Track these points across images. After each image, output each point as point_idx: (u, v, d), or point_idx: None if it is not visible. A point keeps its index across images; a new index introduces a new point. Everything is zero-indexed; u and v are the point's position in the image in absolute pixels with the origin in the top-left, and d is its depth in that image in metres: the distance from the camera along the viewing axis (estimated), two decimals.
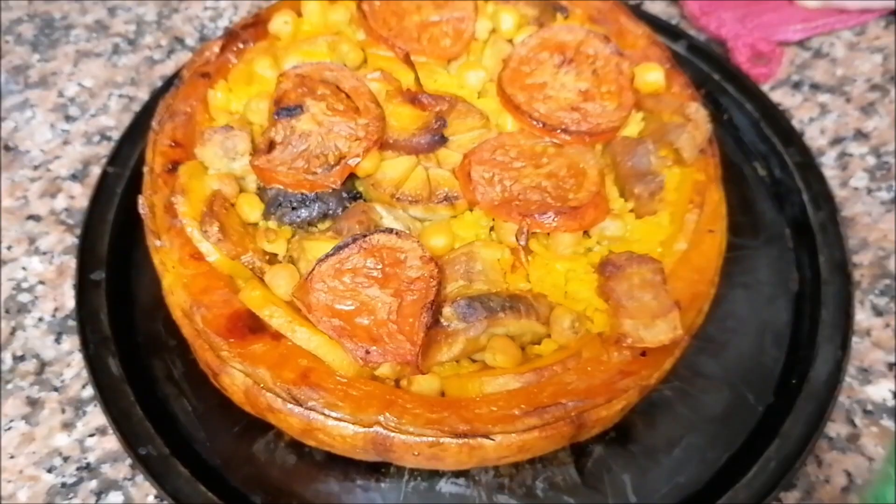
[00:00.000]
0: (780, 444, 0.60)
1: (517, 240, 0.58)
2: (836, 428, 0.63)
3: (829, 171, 0.76)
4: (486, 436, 0.53)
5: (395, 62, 0.68)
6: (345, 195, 0.62)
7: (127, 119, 0.78)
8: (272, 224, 0.61)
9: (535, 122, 0.63)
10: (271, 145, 0.62)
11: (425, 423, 0.53)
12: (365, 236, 0.56)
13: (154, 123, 0.65)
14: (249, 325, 0.56)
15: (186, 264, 0.58)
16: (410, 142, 0.63)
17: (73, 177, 0.76)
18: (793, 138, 0.76)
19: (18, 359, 0.66)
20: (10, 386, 0.65)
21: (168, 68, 0.84)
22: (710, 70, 0.82)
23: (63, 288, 0.69)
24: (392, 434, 0.53)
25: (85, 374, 0.65)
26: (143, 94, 0.82)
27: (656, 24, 0.82)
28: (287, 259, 0.60)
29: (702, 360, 0.66)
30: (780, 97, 0.83)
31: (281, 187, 0.61)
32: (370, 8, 0.69)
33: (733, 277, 0.69)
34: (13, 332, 0.67)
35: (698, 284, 0.60)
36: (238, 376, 0.55)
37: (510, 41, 0.70)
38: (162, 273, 0.59)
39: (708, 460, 0.62)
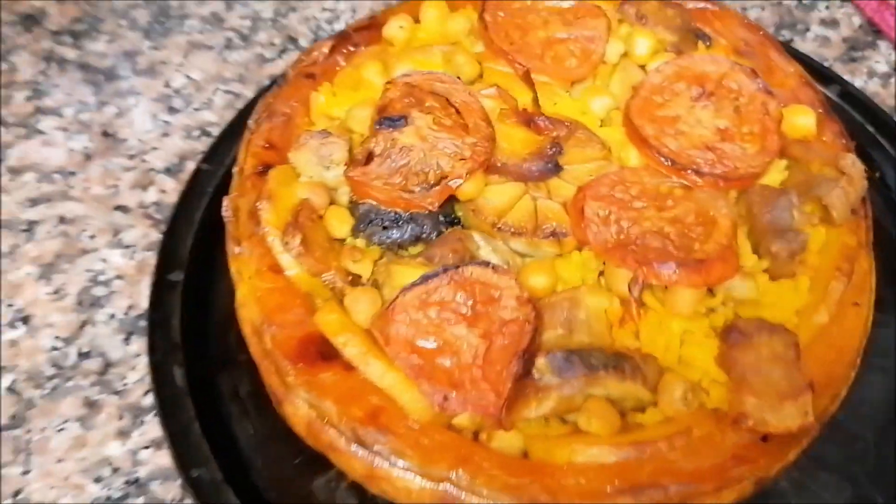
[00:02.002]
0: None
1: (630, 290, 0.51)
2: None
3: None
4: None
5: (514, 79, 0.62)
6: (441, 219, 0.56)
7: (229, 116, 0.75)
8: (360, 242, 0.56)
9: (662, 159, 0.56)
10: (369, 157, 0.57)
11: (502, 486, 0.46)
12: (457, 267, 0.50)
13: (250, 122, 0.62)
14: (321, 351, 0.51)
15: (263, 276, 0.54)
16: (520, 167, 0.57)
17: (168, 170, 0.74)
18: None
19: (83, 355, 0.63)
20: (70, 384, 0.62)
21: (278, 68, 0.81)
22: (863, 120, 0.73)
23: (140, 286, 0.66)
24: (463, 494, 0.47)
25: (149, 380, 0.61)
26: (249, 93, 0.79)
27: (807, 65, 0.73)
28: (371, 283, 0.54)
29: (826, 448, 0.57)
30: None
31: (374, 203, 0.56)
32: (493, 19, 0.64)
33: (871, 358, 0.59)
34: (82, 326, 0.64)
35: (836, 365, 0.52)
36: (302, 407, 0.50)
37: (643, 67, 0.63)
38: (237, 283, 0.55)
39: None
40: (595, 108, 0.61)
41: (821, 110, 0.62)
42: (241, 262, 0.55)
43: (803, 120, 0.60)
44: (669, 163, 0.56)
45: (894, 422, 0.59)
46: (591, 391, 0.49)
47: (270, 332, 0.52)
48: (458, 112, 0.59)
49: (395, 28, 0.65)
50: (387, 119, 0.57)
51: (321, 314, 0.52)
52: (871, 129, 0.72)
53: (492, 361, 0.49)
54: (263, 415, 0.59)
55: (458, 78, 0.61)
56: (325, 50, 0.65)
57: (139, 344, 0.63)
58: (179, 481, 0.57)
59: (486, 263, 0.51)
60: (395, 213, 0.56)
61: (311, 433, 0.51)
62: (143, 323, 0.64)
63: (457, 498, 0.47)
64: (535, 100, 0.60)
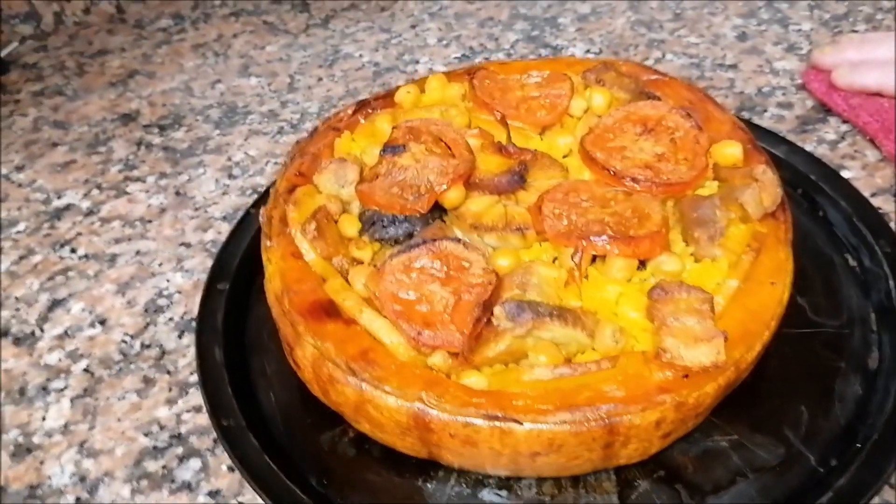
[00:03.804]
0: (833, 498, 0.58)
1: (572, 259, 0.63)
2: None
3: None
4: (516, 420, 0.56)
5: (494, 125, 0.77)
6: (429, 220, 0.70)
7: None
8: (365, 239, 0.70)
9: (607, 171, 0.70)
10: (374, 178, 0.72)
11: (463, 404, 0.57)
12: (435, 240, 0.64)
13: (286, 158, 0.78)
14: (327, 310, 0.64)
15: (287, 260, 0.68)
16: (493, 181, 0.71)
17: (224, 218, 0.90)
18: (883, 231, 0.77)
19: (146, 346, 0.77)
20: (133, 366, 0.75)
21: None
22: (807, 171, 0.85)
23: (196, 298, 0.81)
24: (431, 411, 0.58)
25: (195, 364, 0.74)
26: None
27: (763, 131, 0.89)
28: (371, 265, 0.68)
29: (765, 419, 0.66)
30: (881, 203, 0.84)
31: (377, 209, 0.71)
32: (480, 83, 0.81)
33: (809, 351, 0.70)
34: (146, 326, 0.79)
35: (750, 324, 0.62)
36: (308, 349, 0.63)
37: (599, 118, 0.78)
38: (266, 267, 0.69)
39: None
40: (560, 144, 0.76)
41: (749, 146, 0.75)
42: (271, 252, 0.70)
43: (731, 150, 0.73)
44: (612, 172, 0.70)
45: (829, 398, 0.67)
46: (539, 334, 0.60)
47: (288, 296, 0.65)
48: (448, 147, 0.75)
49: (404, 93, 0.83)
50: (390, 147, 0.73)
51: (330, 283, 0.65)
52: (814, 177, 0.85)
53: (459, 311, 0.61)
54: (283, 387, 0.72)
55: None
56: (349, 112, 0.83)
57: (189, 338, 0.77)
58: (213, 436, 0.69)
59: (458, 240, 0.65)
60: (393, 215, 0.70)
61: (314, 371, 0.63)
62: (195, 324, 0.79)
63: (426, 413, 0.58)
64: (509, 136, 0.75)
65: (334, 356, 0.61)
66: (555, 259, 0.67)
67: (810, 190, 0.84)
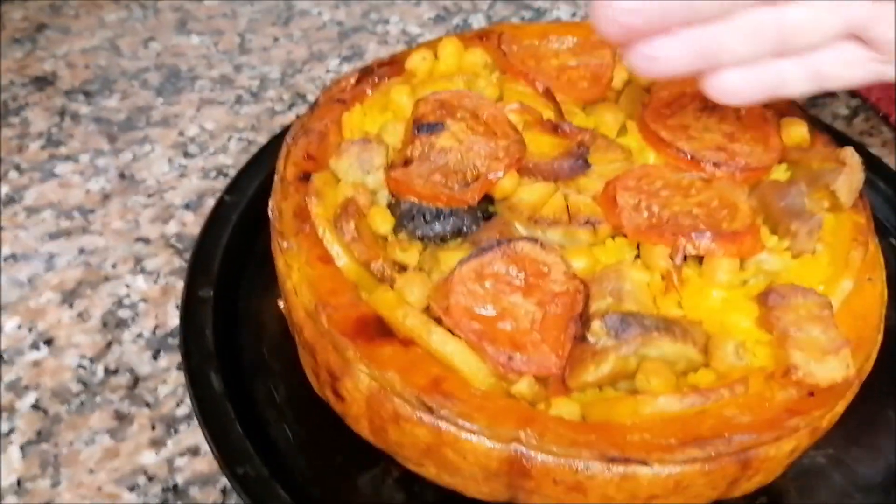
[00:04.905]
0: None
1: (672, 259, 0.54)
2: None
3: None
4: (643, 462, 0.46)
5: (533, 97, 0.66)
6: (479, 214, 0.59)
7: (245, 159, 0.77)
8: (403, 237, 0.58)
9: (682, 154, 0.60)
10: (406, 161, 0.60)
11: (570, 443, 0.47)
12: (509, 241, 0.53)
13: (288, 138, 0.64)
14: (377, 329, 0.52)
15: (314, 266, 0.55)
16: (552, 166, 0.60)
17: (187, 206, 0.75)
18: None
19: (111, 372, 0.62)
20: (98, 399, 0.60)
21: (289, 118, 0.84)
22: None
23: (166, 307, 0.66)
24: (533, 454, 0.47)
25: (180, 391, 0.60)
26: (263, 139, 0.82)
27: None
28: (417, 270, 0.56)
29: (857, 429, 0.59)
30: None
31: (415, 201, 0.58)
32: (509, 49, 0.69)
33: (889, 352, 0.63)
34: (108, 345, 0.64)
35: (864, 329, 0.55)
36: (363, 380, 0.50)
37: (647, 90, 0.69)
38: (286, 275, 0.56)
39: None
40: (609, 121, 0.66)
41: (809, 125, 0.68)
42: (290, 256, 0.56)
43: (797, 130, 0.66)
44: (689, 157, 0.60)
45: None
46: (645, 352, 0.50)
47: (326, 313, 0.52)
48: (486, 124, 0.63)
49: (419, 59, 0.70)
50: (425, 125, 0.61)
51: (377, 294, 0.53)
52: None
53: (548, 327, 0.51)
54: (301, 419, 0.59)
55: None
56: (352, 81, 0.69)
57: (168, 359, 0.63)
58: (220, 486, 0.55)
59: (535, 240, 0.54)
60: (437, 208, 0.58)
61: (371, 407, 0.51)
62: (171, 340, 0.64)
63: (527, 457, 0.47)
64: (560, 111, 0.65)
65: (400, 389, 0.49)
66: (636, 257, 0.57)
67: None
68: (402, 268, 0.57)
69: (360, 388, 0.50)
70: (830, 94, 0.89)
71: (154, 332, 0.65)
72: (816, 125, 0.69)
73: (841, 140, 0.79)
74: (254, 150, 0.80)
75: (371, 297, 0.53)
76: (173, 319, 0.65)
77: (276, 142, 0.75)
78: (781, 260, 0.56)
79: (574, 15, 1.01)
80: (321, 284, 0.54)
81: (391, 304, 0.52)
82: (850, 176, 0.60)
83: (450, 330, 0.50)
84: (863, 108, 0.88)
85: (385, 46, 0.94)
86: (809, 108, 0.87)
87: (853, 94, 0.89)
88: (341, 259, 0.55)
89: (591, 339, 0.51)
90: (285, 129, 0.78)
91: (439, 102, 0.63)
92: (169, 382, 0.61)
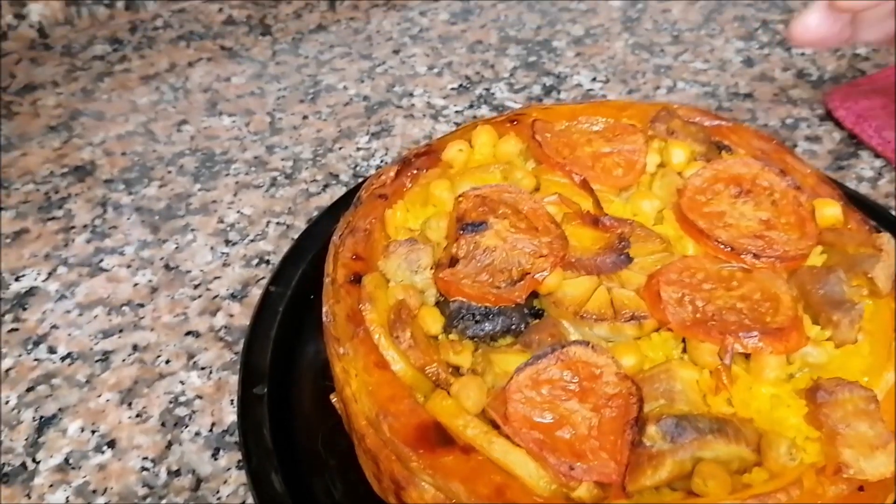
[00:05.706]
0: None
1: (721, 358, 0.55)
2: None
3: None
4: None
5: (570, 188, 0.68)
6: (526, 311, 0.61)
7: (285, 245, 0.79)
8: (454, 337, 0.60)
9: (721, 246, 0.62)
10: (452, 260, 0.62)
11: None
12: (563, 347, 0.55)
13: (335, 238, 0.66)
14: (438, 436, 0.53)
15: (371, 372, 0.57)
16: (594, 261, 0.62)
17: (233, 296, 0.77)
18: None
19: (174, 473, 0.63)
20: (164, 502, 0.62)
21: (323, 200, 0.86)
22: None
23: (221, 403, 0.68)
24: None
25: (242, 491, 0.62)
26: (300, 223, 0.84)
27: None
28: (470, 372, 0.58)
29: None
30: None
31: (464, 300, 0.60)
32: (543, 138, 0.71)
33: None
34: (169, 445, 0.65)
35: None
36: (428, 490, 0.52)
37: (680, 175, 0.71)
38: (344, 381, 0.58)
39: None
40: (646, 209, 0.68)
41: (842, 203, 0.69)
42: (347, 362, 0.58)
43: (830, 210, 0.67)
44: (728, 249, 0.62)
45: None
46: (700, 455, 0.52)
47: (387, 422, 0.54)
48: (527, 218, 0.65)
49: (455, 151, 0.72)
50: (469, 224, 0.63)
51: (435, 401, 0.55)
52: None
53: (605, 433, 0.52)
54: None
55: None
56: (392, 174, 0.71)
57: (228, 458, 0.64)
58: None
59: (586, 343, 0.56)
60: (486, 307, 0.60)
61: None
62: (228, 438, 0.66)
63: None
64: (598, 203, 0.67)
65: (466, 499, 0.50)
66: (683, 351, 0.58)
67: None
68: (456, 369, 0.58)
69: (426, 497, 0.52)
70: (854, 156, 0.91)
71: (211, 430, 0.66)
72: (848, 200, 0.71)
73: (870, 211, 0.81)
74: (292, 234, 0.82)
75: (429, 404, 0.55)
76: (228, 416, 0.67)
77: (314, 227, 0.77)
78: (825, 351, 0.58)
79: (594, 80, 1.03)
80: (380, 391, 0.56)
81: (451, 412, 0.54)
82: (887, 262, 0.62)
83: (507, 437, 0.52)
84: (887, 170, 0.90)
85: (412, 121, 0.97)
86: (835, 170, 0.89)
87: (877, 154, 0.91)
88: (397, 364, 0.57)
89: (647, 442, 0.52)
90: (322, 213, 0.81)
91: (480, 199, 0.66)
92: (230, 483, 0.63)
